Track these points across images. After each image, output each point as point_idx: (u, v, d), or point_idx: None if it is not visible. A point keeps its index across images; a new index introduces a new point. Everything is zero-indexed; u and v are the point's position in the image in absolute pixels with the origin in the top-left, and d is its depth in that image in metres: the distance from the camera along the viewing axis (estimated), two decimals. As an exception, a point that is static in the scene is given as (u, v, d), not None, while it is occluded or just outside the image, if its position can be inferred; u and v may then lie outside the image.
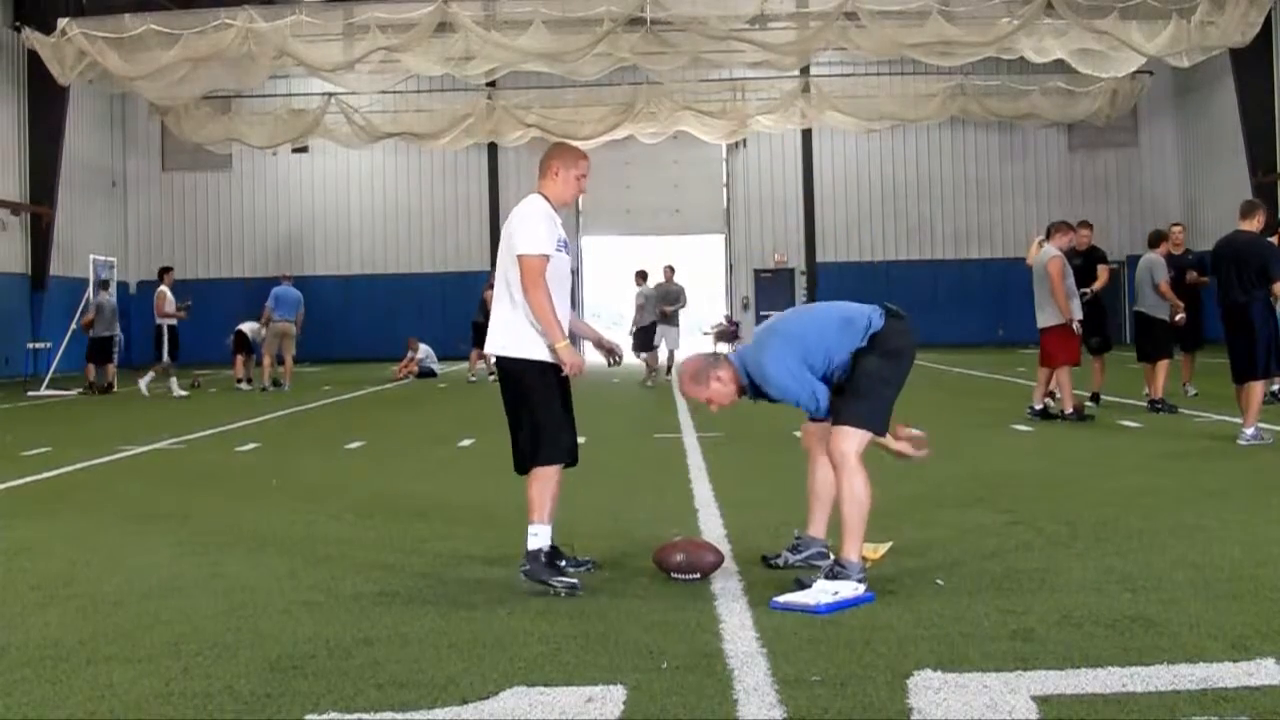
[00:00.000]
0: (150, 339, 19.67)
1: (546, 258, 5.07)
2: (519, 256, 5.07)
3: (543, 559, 5.02)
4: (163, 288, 19.10)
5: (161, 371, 19.14)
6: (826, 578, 4.66)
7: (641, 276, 20.59)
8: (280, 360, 19.99)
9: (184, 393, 18.83)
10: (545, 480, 5.09)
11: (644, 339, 20.02)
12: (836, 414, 4.91)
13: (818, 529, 5.25)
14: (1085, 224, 13.05)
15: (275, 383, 19.83)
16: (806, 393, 4.91)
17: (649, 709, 3.43)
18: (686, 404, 14.96)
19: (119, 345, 20.93)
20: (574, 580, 4.96)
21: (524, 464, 5.14)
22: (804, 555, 5.18)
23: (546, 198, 5.29)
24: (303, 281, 31.64)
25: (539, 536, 5.03)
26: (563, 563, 5.21)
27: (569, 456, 5.18)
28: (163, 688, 3.74)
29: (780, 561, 5.21)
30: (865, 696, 3.48)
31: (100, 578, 5.43)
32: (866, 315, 4.99)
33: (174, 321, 19.03)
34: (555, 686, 3.65)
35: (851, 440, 4.82)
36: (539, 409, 5.10)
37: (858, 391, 4.88)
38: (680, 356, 20.93)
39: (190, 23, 22.28)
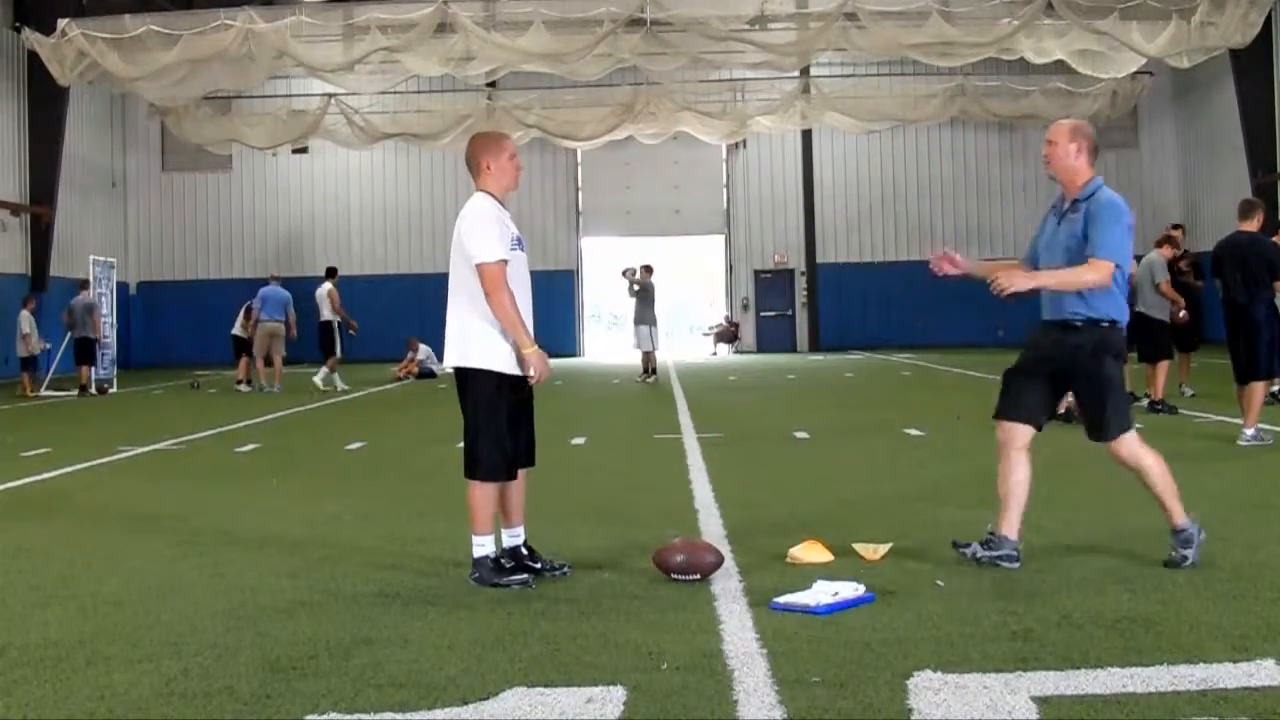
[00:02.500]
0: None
1: (505, 263, 5.00)
2: (477, 266, 4.99)
3: (489, 564, 5.06)
4: (330, 286, 19.54)
5: (334, 366, 19.56)
6: (1180, 548, 5.00)
7: None
8: (269, 361, 19.77)
9: (328, 387, 19.20)
10: (483, 493, 5.10)
11: None
12: (1102, 429, 5.09)
13: (1010, 528, 5.21)
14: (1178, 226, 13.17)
15: (248, 381, 19.75)
16: (1116, 233, 4.97)
17: (649, 709, 3.43)
18: (687, 404, 14.96)
19: (103, 345, 21.01)
20: (525, 577, 5.03)
21: (467, 471, 5.15)
22: (995, 554, 5.13)
23: (490, 193, 5.19)
24: (303, 281, 31.75)
25: (483, 546, 5.09)
26: (538, 565, 5.21)
27: (506, 474, 5.14)
28: (163, 688, 3.74)
29: (969, 552, 5.18)
30: (865, 697, 3.48)
31: (100, 578, 5.43)
32: (1124, 306, 5.20)
33: (338, 319, 19.47)
34: (555, 686, 3.65)
35: (1130, 445, 5.10)
36: (483, 423, 5.07)
37: (1109, 402, 5.07)
38: (661, 355, 20.84)
39: (190, 23, 22.30)
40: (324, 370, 19.37)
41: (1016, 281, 5.05)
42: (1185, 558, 5.01)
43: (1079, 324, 5.10)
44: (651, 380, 19.07)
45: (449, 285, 5.19)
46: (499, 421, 5.07)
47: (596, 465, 9.07)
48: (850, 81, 29.99)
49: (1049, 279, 5.09)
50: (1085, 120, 5.37)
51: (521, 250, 5.22)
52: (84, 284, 21.18)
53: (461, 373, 5.17)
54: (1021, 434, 5.30)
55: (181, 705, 3.57)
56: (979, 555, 5.14)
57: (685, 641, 4.11)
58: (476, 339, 5.06)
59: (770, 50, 23.79)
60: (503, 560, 5.17)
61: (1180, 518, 5.07)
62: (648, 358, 19.62)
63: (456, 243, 5.11)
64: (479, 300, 5.01)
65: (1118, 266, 4.99)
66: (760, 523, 6.30)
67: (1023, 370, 5.35)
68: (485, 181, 5.21)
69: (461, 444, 5.22)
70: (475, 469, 5.11)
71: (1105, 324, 5.08)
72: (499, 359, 5.05)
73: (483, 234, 5.02)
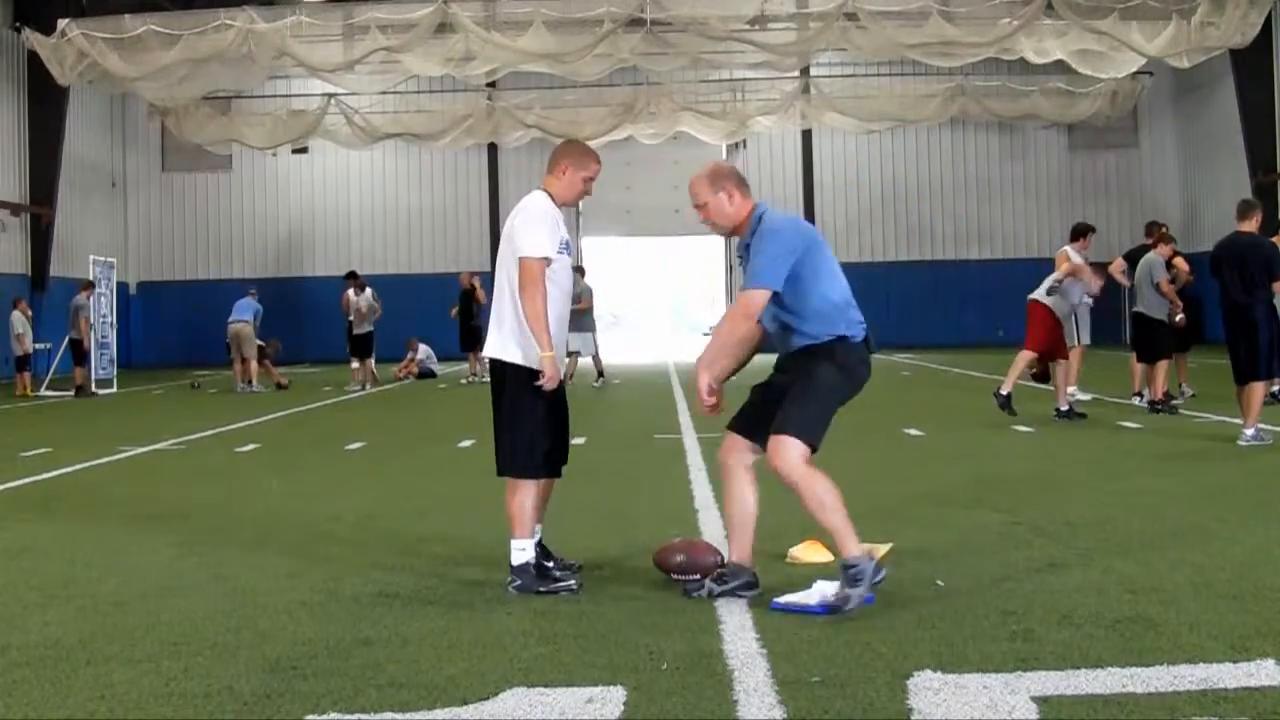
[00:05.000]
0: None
1: (548, 261, 4.96)
2: (520, 259, 4.95)
3: (532, 570, 4.97)
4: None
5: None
6: (846, 586, 4.36)
7: (360, 287, 20.85)
8: (244, 361, 20.22)
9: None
10: (524, 492, 5.01)
11: (360, 346, 20.41)
12: (778, 421, 4.56)
13: (742, 554, 4.81)
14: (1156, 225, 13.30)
15: (250, 381, 20.02)
16: (766, 258, 4.56)
17: (649, 709, 3.43)
18: (687, 405, 14.95)
19: (101, 345, 21.12)
20: (571, 584, 4.94)
21: (507, 469, 5.07)
22: (731, 585, 4.73)
23: (551, 195, 5.16)
24: (303, 281, 31.88)
25: (525, 551, 4.98)
26: (550, 564, 5.16)
27: (548, 470, 5.07)
28: (163, 688, 3.74)
29: (703, 593, 4.73)
30: (865, 697, 3.48)
31: (100, 578, 5.43)
32: (855, 321, 4.72)
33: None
34: (555, 687, 3.65)
35: (793, 452, 4.50)
36: (524, 417, 4.99)
37: (805, 398, 4.57)
38: (661, 355, 20.70)
39: (190, 23, 22.29)
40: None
41: (702, 393, 4.68)
42: (846, 599, 4.35)
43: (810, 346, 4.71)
44: (573, 382, 18.96)
45: (495, 278, 5.15)
46: (539, 418, 4.99)
47: (596, 465, 9.06)
48: (850, 81, 29.98)
49: (706, 357, 4.70)
50: (726, 163, 4.88)
51: (568, 255, 5.15)
52: (84, 285, 21.21)
53: (498, 366, 5.08)
54: (737, 446, 4.82)
55: (181, 705, 3.57)
56: (715, 592, 4.72)
57: (685, 641, 4.11)
58: (520, 333, 4.99)
59: (770, 50, 23.79)
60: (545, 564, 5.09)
61: (852, 550, 4.44)
62: (575, 361, 19.14)
63: (508, 235, 5.07)
64: None
65: (772, 290, 4.57)
66: (760, 523, 6.28)
67: (753, 399, 4.91)
68: (552, 183, 5.18)
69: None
70: (514, 464, 5.01)
71: (834, 340, 4.65)
72: (537, 355, 4.98)
73: (536, 229, 4.98)
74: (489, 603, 4.77)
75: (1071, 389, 13.28)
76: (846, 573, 4.41)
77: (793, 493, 4.57)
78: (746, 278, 4.66)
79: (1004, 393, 11.42)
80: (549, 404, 5.03)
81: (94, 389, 20.50)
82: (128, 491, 8.51)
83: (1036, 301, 11.77)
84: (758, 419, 4.76)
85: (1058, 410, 11.63)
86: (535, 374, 4.96)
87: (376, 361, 21.07)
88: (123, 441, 11.70)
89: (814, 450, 4.58)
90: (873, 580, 4.41)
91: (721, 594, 4.71)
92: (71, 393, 19.90)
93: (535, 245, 4.95)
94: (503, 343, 5.06)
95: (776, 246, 4.62)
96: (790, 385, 4.68)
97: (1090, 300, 13.23)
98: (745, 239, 4.79)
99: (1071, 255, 13.09)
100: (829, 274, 4.72)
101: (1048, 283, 11.84)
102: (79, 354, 20.45)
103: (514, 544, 4.98)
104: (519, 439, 5.00)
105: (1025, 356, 11.74)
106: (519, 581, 4.93)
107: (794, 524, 5.54)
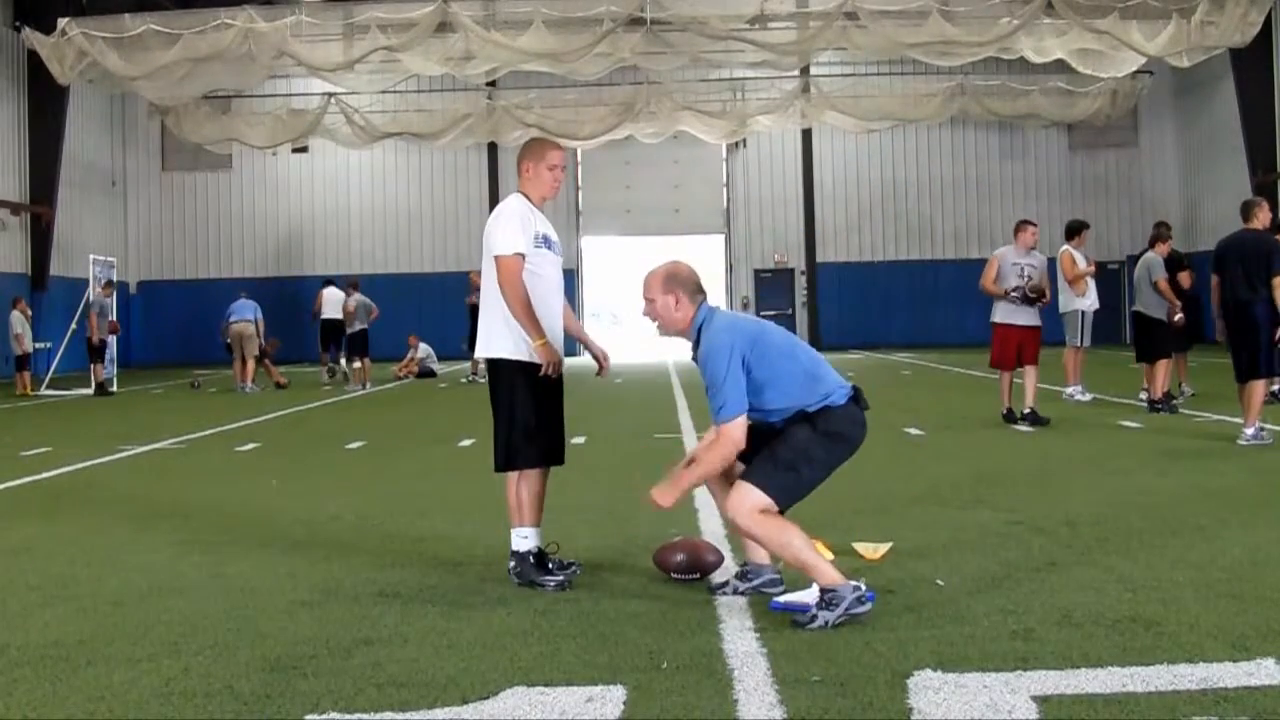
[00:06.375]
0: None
1: (521, 257, 5.09)
2: (494, 258, 5.11)
3: (532, 560, 5.05)
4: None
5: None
6: (820, 608, 4.25)
7: (353, 286, 21.57)
8: (245, 361, 20.24)
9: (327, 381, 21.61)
10: (526, 482, 5.11)
11: (354, 345, 20.80)
12: (748, 470, 4.48)
13: (758, 553, 4.81)
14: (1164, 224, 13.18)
15: (250, 381, 20.11)
16: (722, 384, 4.43)
17: (649, 709, 3.43)
18: (687, 404, 14.96)
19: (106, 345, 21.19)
20: (562, 577, 5.01)
21: (501, 464, 5.16)
22: (755, 583, 4.77)
23: (526, 195, 5.33)
24: (303, 281, 31.89)
25: (528, 539, 5.08)
26: (549, 566, 5.18)
27: (547, 459, 5.17)
28: (163, 688, 3.74)
29: (729, 590, 4.79)
30: (865, 696, 3.48)
31: (100, 578, 5.43)
32: (834, 385, 4.59)
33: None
34: (555, 686, 3.65)
35: (747, 501, 4.37)
36: (518, 410, 5.10)
37: (779, 460, 4.43)
38: (662, 354, 20.97)
39: (190, 23, 22.31)
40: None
41: (664, 499, 4.57)
42: (814, 618, 4.23)
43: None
44: (361, 388, 19.87)
45: (483, 281, 5.27)
46: (534, 411, 5.09)
47: (597, 465, 9.07)
48: (850, 81, 30.00)
49: (692, 478, 4.60)
50: (681, 262, 4.81)
51: (549, 250, 5.25)
52: (105, 285, 21.28)
53: (493, 365, 5.21)
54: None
55: (181, 705, 3.57)
56: (741, 590, 4.77)
57: (685, 641, 4.11)
58: (503, 330, 5.11)
59: (770, 49, 23.80)
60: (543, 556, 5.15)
61: (828, 580, 4.29)
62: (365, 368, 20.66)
63: (484, 239, 5.24)
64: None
65: (743, 412, 4.43)
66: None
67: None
68: (523, 184, 5.36)
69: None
70: (514, 456, 5.10)
71: (816, 409, 4.52)
72: (523, 349, 5.09)
73: (503, 229, 5.14)
74: (489, 603, 4.77)
75: (1073, 389, 13.31)
76: (823, 596, 4.29)
77: (753, 540, 4.53)
78: (713, 410, 4.49)
79: (1005, 411, 11.51)
80: (540, 394, 5.13)
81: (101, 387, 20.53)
82: (128, 491, 8.51)
83: (994, 323, 11.84)
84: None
85: (1021, 413, 11.52)
86: (525, 366, 5.07)
87: (377, 361, 21.13)
88: (123, 441, 11.70)
89: (780, 511, 4.44)
90: (855, 609, 4.23)
91: (747, 591, 4.74)
92: (91, 390, 19.98)
93: (505, 243, 5.10)
94: (490, 341, 5.18)
95: (721, 368, 4.45)
96: (770, 442, 4.53)
97: (1095, 304, 13.23)
98: (691, 341, 4.73)
99: (1075, 256, 13.10)
100: (783, 357, 4.57)
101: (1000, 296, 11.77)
102: (99, 353, 20.50)
103: (518, 532, 5.09)
104: (513, 429, 5.10)
105: (1005, 376, 11.75)
106: (519, 569, 5.05)
107: (794, 522, 5.54)
